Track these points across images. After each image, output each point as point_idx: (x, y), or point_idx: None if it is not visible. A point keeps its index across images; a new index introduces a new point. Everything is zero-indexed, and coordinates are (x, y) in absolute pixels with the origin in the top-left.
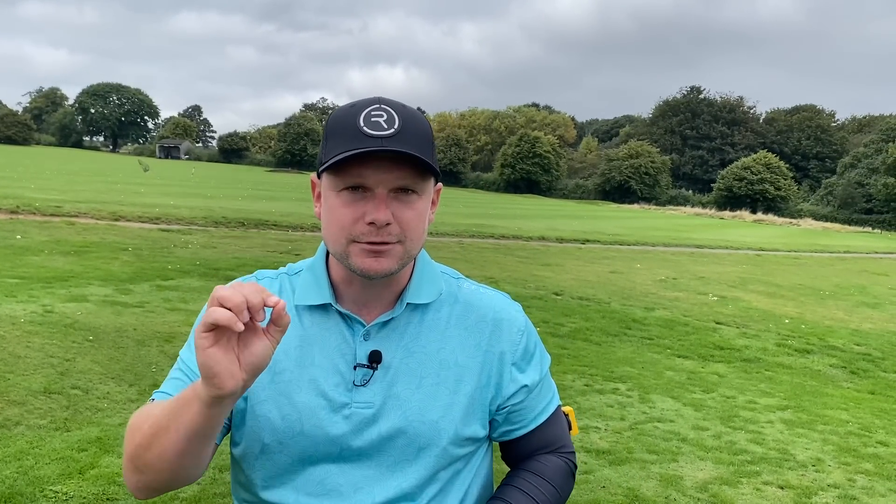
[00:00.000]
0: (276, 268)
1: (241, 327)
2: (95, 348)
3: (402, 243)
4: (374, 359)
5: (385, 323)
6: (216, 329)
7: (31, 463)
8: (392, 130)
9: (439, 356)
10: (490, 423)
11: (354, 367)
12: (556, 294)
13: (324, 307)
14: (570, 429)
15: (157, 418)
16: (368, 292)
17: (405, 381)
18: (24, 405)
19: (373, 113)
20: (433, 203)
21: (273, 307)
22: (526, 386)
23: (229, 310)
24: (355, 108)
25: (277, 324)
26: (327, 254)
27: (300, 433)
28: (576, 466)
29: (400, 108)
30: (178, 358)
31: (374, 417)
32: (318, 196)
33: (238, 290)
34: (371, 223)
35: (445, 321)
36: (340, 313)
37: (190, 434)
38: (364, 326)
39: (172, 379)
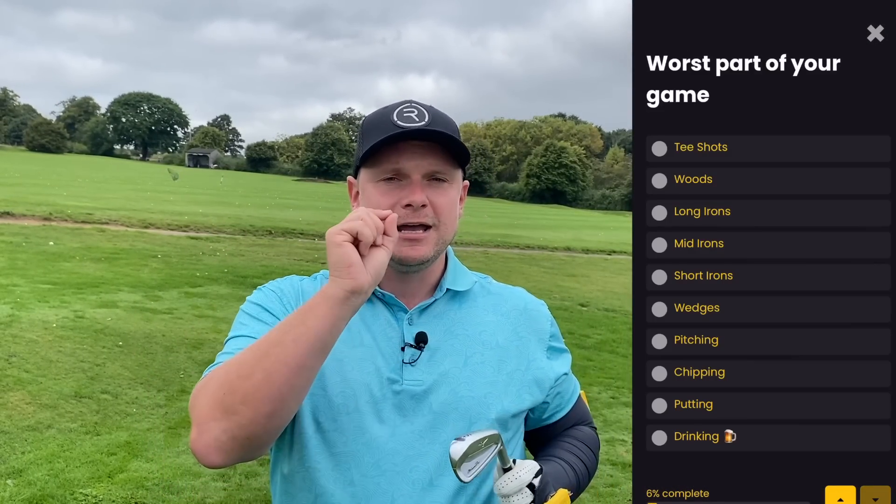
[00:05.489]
0: (307, 275)
1: (378, 240)
2: (125, 354)
3: (436, 228)
4: (421, 339)
5: (426, 308)
6: (353, 238)
7: (61, 466)
8: (423, 122)
9: (480, 338)
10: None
11: (402, 349)
12: (582, 305)
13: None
14: None
15: (265, 340)
16: (405, 285)
17: (452, 360)
18: (55, 409)
19: (405, 110)
20: (461, 199)
21: (385, 219)
22: (566, 374)
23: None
24: (388, 108)
25: (390, 233)
26: None
27: (355, 409)
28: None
29: (428, 106)
30: (242, 324)
31: (425, 394)
32: (356, 195)
33: (370, 217)
34: (408, 205)
35: (482, 308)
36: (383, 300)
37: (312, 341)
38: (406, 312)
39: (257, 322)
